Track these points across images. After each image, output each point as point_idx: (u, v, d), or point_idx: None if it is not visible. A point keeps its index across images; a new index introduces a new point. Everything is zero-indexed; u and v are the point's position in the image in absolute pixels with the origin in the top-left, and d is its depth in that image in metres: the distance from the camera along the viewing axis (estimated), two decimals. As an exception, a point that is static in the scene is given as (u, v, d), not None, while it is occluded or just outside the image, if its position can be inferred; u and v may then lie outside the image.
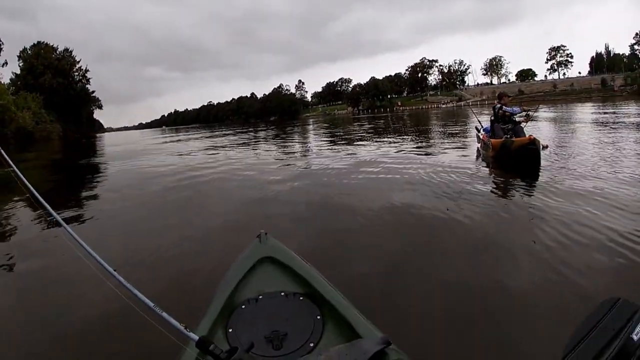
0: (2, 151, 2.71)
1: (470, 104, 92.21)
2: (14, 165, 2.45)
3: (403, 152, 14.93)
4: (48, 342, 3.76)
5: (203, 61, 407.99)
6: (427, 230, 5.89)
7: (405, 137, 22.46)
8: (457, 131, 22.83)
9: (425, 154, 13.65)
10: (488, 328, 3.30)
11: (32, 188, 2.32)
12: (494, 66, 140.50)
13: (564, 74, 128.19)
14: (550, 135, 16.41)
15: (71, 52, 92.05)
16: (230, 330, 2.22)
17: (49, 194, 12.82)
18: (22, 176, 2.41)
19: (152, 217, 8.55)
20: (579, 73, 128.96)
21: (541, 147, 9.69)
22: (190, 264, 5.38)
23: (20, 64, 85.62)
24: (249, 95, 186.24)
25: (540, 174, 8.83)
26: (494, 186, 8.34)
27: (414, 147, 16.35)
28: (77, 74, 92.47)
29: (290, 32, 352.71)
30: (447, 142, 17.46)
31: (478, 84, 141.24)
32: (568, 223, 5.48)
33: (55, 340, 3.76)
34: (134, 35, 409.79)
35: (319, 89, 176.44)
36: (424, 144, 17.86)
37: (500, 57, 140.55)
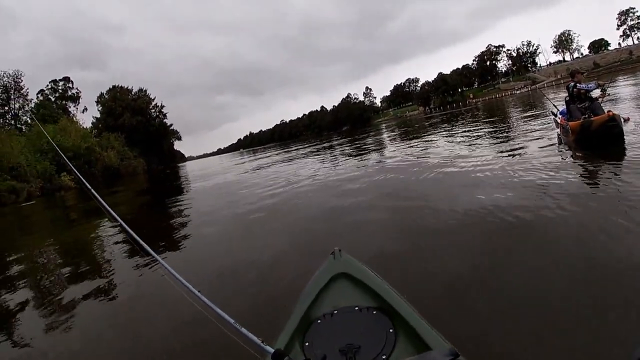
0: (92, 189, 2.85)
1: (545, 85, 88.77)
2: (109, 208, 2.59)
3: (480, 147, 14.39)
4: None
5: (269, 82, 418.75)
6: (513, 234, 5.41)
7: (481, 131, 21.69)
8: (534, 117, 21.83)
9: (504, 147, 13.08)
10: (577, 344, 3.04)
11: (124, 224, 2.52)
12: (563, 42, 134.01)
13: (638, 38, 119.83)
14: (631, 107, 15.43)
15: (145, 91, 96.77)
16: (307, 343, 2.34)
17: (135, 222, 13.49)
18: (115, 215, 2.62)
19: (231, 238, 8.85)
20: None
21: (622, 121, 9.13)
22: (269, 282, 5.50)
23: (99, 108, 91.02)
24: (318, 109, 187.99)
25: (626, 150, 8.31)
26: (582, 174, 7.74)
27: (491, 141, 15.74)
28: (153, 110, 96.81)
29: (347, 39, 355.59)
30: (526, 131, 16.60)
31: (550, 64, 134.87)
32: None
33: (149, 356, 4.09)
34: (200, 67, 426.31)
35: (387, 93, 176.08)
36: (501, 136, 17.13)
37: (568, 31, 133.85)
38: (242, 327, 1.72)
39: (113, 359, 4.24)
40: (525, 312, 3.51)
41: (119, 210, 17.17)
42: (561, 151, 10.32)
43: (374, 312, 2.49)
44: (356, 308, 2.55)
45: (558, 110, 12.50)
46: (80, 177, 3.00)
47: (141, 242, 2.40)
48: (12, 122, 74.25)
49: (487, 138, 17.48)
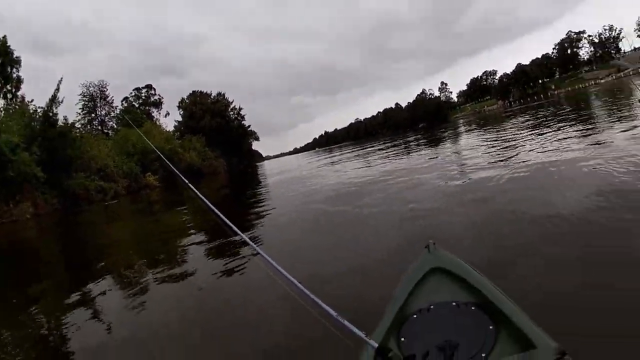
0: (185, 180, 2.98)
1: (631, 72, 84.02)
2: (206, 201, 2.69)
3: (568, 144, 13.65)
4: (246, 347, 4.18)
5: (344, 81, 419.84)
6: (613, 237, 5.00)
7: (568, 125, 20.52)
8: (623, 107, 20.75)
9: (594, 143, 12.11)
10: None
11: (225, 219, 2.55)
12: None
13: None
14: None
15: (224, 94, 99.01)
16: (403, 339, 2.29)
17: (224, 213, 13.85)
18: (204, 199, 2.67)
19: (318, 232, 8.96)
20: None
21: None
22: (360, 276, 5.51)
23: (181, 112, 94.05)
24: (393, 106, 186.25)
25: None
26: None
27: (579, 137, 14.95)
28: (232, 112, 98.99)
29: (421, 36, 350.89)
30: (617, 125, 15.69)
31: (635, 49, 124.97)
32: None
33: (252, 345, 4.16)
34: (276, 70, 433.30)
35: (464, 87, 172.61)
36: (590, 130, 16.10)
37: None
38: (344, 320, 1.72)
39: (215, 345, 4.38)
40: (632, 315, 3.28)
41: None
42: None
43: (473, 308, 2.42)
44: (453, 304, 2.47)
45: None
46: (173, 168, 3.17)
47: (239, 231, 2.43)
48: (99, 127, 78.60)
49: (576, 134, 16.64)
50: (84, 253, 11.61)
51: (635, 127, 12.59)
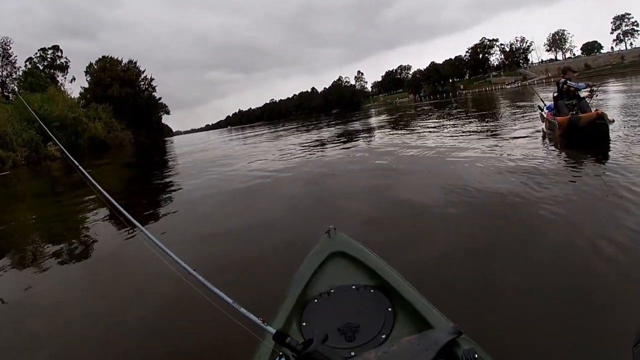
0: (76, 162, 2.82)
1: (536, 82, 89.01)
2: (91, 178, 2.56)
3: (468, 137, 14.57)
4: (131, 338, 4.12)
5: (262, 61, 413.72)
6: (499, 219, 5.65)
7: (469, 122, 21.91)
8: (522, 112, 22.06)
9: (491, 139, 13.23)
10: (564, 322, 3.15)
11: (107, 195, 2.41)
12: (557, 41, 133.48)
13: (631, 44, 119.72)
14: (617, 109, 15.54)
15: (135, 63, 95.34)
16: (304, 323, 2.30)
17: (121, 195, 13.49)
18: (96, 184, 2.52)
19: (222, 215, 8.86)
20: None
21: (608, 121, 9.31)
22: (262, 262, 5.52)
23: (88, 79, 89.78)
24: (309, 90, 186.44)
25: (610, 149, 8.46)
26: (566, 168, 7.95)
27: (479, 133, 15.89)
28: (143, 83, 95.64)
29: (344, 23, 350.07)
30: (513, 125, 16.85)
31: (542, 61, 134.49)
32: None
33: (140, 336, 4.11)
34: (194, 43, 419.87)
35: (379, 79, 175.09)
36: (488, 128, 17.30)
37: (563, 30, 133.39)
38: (241, 307, 1.68)
39: (104, 338, 4.23)
40: (520, 292, 3.65)
41: (106, 183, 17.21)
42: (546, 146, 10.54)
43: (372, 291, 2.47)
44: (353, 287, 2.52)
45: (545, 105, 12.69)
46: (65, 151, 2.95)
47: (130, 217, 2.21)
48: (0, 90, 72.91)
49: (474, 129, 17.69)
50: None
51: (530, 130, 13.60)
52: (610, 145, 8.72)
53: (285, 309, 2.38)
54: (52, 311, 5.05)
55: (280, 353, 1.50)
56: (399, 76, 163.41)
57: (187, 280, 1.85)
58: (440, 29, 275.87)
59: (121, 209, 2.33)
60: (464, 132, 16.99)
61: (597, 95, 12.21)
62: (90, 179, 2.55)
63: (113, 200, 2.44)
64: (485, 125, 18.66)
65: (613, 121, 9.57)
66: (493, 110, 30.17)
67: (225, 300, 1.70)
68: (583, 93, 10.78)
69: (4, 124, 43.35)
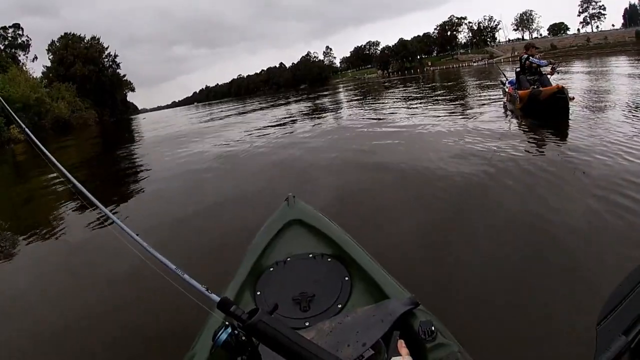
0: (39, 142, 2.81)
1: (502, 60, 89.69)
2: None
3: (432, 111, 14.82)
4: (79, 303, 4.22)
5: (229, 36, 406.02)
6: (458, 192, 5.77)
7: (434, 96, 22.15)
8: (486, 87, 22.39)
9: (455, 113, 13.52)
10: (516, 293, 3.23)
11: (54, 160, 2.37)
12: (524, 21, 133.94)
13: (597, 27, 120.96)
14: (580, 90, 15.41)
15: (98, 39, 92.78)
16: (259, 292, 2.27)
17: (83, 172, 13.38)
18: (57, 162, 2.48)
19: (181, 187, 8.98)
20: (613, 26, 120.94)
21: (568, 96, 9.46)
22: (218, 230, 5.62)
23: (50, 57, 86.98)
24: (278, 65, 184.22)
25: (569, 126, 8.63)
26: (525, 141, 8.14)
27: (443, 106, 16.20)
28: (106, 60, 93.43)
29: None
30: (477, 99, 17.23)
31: (509, 40, 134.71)
32: (606, 174, 5.35)
33: (86, 302, 4.20)
34: (157, 17, 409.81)
35: (348, 54, 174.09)
36: (453, 102, 17.60)
37: (531, 11, 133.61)
38: (184, 273, 1.63)
39: (49, 307, 4.30)
40: (477, 265, 3.71)
41: (69, 163, 17.10)
42: (507, 118, 10.81)
43: (329, 260, 2.43)
44: (310, 255, 2.48)
45: (507, 79, 12.86)
46: (28, 131, 2.89)
47: (83, 189, 2.24)
48: None
49: (439, 103, 17.94)
50: None
51: (492, 104, 13.95)
52: (570, 122, 8.89)
53: (239, 279, 2.33)
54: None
55: (227, 323, 1.42)
56: (367, 52, 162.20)
57: (135, 249, 1.79)
58: (409, 5, 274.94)
59: (72, 177, 2.28)
60: (429, 106, 17.25)
61: (558, 73, 12.38)
62: (52, 158, 2.52)
63: (66, 172, 2.38)
64: (450, 99, 18.94)
65: (573, 99, 9.70)
66: (459, 86, 30.41)
67: (168, 266, 1.67)
68: (545, 70, 10.96)
69: (-36, 107, 41.67)
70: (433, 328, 1.66)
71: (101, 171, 14.42)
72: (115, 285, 4.46)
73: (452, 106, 16.04)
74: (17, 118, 3.07)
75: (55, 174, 13.20)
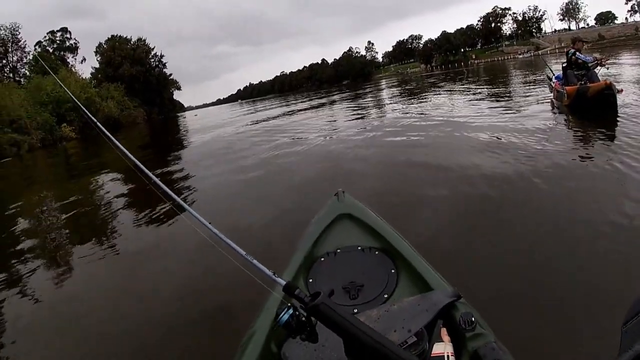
0: (105, 130, 2.97)
1: (549, 52, 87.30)
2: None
3: (478, 108, 14.63)
4: (151, 287, 4.59)
5: (270, 32, 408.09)
6: (500, 190, 5.78)
7: (479, 92, 21.74)
8: (533, 82, 21.91)
9: (500, 109, 13.35)
10: (560, 296, 3.23)
11: (127, 152, 2.52)
12: (570, 10, 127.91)
13: None
14: (628, 82, 15.02)
15: (144, 40, 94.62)
16: (311, 280, 2.44)
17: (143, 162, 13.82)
18: (123, 148, 2.60)
19: (238, 180, 9.34)
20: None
21: (617, 91, 9.25)
22: (273, 221, 5.90)
23: (98, 59, 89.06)
24: (320, 62, 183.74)
25: (617, 122, 8.45)
26: (573, 140, 8.00)
27: (489, 102, 15.95)
28: (153, 60, 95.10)
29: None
30: (523, 95, 16.84)
31: (555, 31, 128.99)
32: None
33: (160, 286, 4.56)
34: (198, 17, 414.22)
35: (390, 48, 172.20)
36: (498, 98, 17.30)
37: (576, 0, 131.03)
38: (253, 259, 1.72)
39: (122, 292, 4.64)
40: (519, 264, 3.74)
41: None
42: (555, 115, 10.59)
43: (377, 253, 2.54)
44: (359, 248, 2.60)
45: (554, 74, 12.65)
46: (94, 119, 3.07)
47: (150, 174, 2.36)
48: (11, 75, 72.55)
49: (485, 99, 17.67)
50: None
51: (539, 100, 13.68)
52: (618, 118, 8.68)
53: (293, 266, 2.49)
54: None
55: (289, 304, 1.51)
56: (410, 46, 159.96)
57: (205, 235, 1.92)
58: None
59: (142, 166, 2.41)
60: (473, 101, 17.07)
61: (607, 68, 12.09)
62: (121, 146, 2.64)
63: (134, 159, 2.50)
64: (496, 95, 18.62)
65: (621, 91, 9.42)
66: (504, 80, 29.80)
67: (239, 252, 1.77)
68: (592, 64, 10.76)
69: (18, 109, 43.49)
70: (473, 319, 1.77)
71: (157, 164, 14.79)
72: (186, 269, 4.83)
73: (497, 102, 15.81)
74: (92, 116, 3.25)
75: (113, 170, 13.72)
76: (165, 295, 4.34)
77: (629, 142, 6.78)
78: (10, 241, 7.90)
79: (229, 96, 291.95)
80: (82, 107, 4.10)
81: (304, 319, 1.49)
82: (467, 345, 1.70)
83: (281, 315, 1.48)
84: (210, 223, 1.94)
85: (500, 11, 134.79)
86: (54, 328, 4.27)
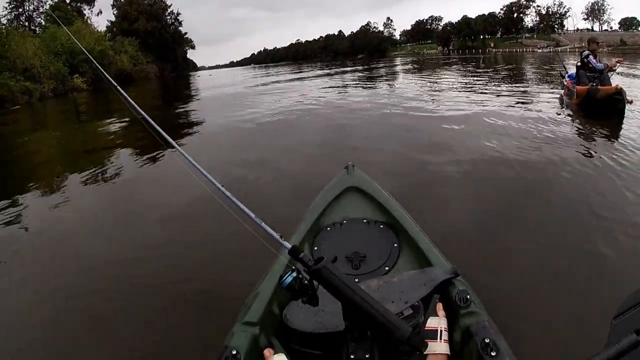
0: (114, 83, 3.03)
1: (568, 50, 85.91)
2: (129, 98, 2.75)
3: (491, 97, 14.63)
4: (162, 245, 4.67)
5: (289, 0, 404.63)
6: (508, 179, 5.88)
7: (495, 81, 21.57)
8: (547, 77, 21.92)
9: (514, 101, 13.35)
10: (559, 283, 3.33)
11: (144, 114, 2.53)
12: (595, 11, 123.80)
13: None
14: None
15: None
16: (316, 248, 2.55)
17: (156, 119, 13.89)
18: (136, 105, 2.64)
19: (249, 143, 9.45)
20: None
21: (626, 98, 9.21)
22: (283, 187, 6.05)
23: (115, 12, 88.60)
24: (336, 33, 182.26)
25: (622, 128, 8.47)
26: (577, 137, 8.10)
27: (502, 93, 15.87)
28: (169, 17, 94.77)
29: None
30: (536, 88, 17.06)
31: (578, 29, 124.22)
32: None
33: (171, 245, 4.66)
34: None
35: (408, 27, 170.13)
36: (512, 89, 17.12)
37: (603, 0, 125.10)
38: (262, 222, 1.77)
39: (135, 247, 4.74)
40: (517, 250, 3.88)
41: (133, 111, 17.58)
42: (562, 111, 10.73)
43: (381, 226, 2.64)
44: (364, 220, 2.70)
45: (567, 72, 12.64)
46: (102, 71, 3.15)
47: (161, 130, 2.41)
48: (27, 24, 72.17)
49: (498, 87, 17.66)
50: (4, 157, 11.33)
51: (550, 96, 13.75)
52: (624, 124, 8.67)
53: (300, 233, 2.59)
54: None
55: (293, 267, 1.57)
56: (429, 27, 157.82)
57: (216, 195, 1.99)
58: None
59: (157, 127, 2.45)
60: (486, 90, 17.01)
61: (619, 74, 11.90)
62: (129, 98, 2.69)
63: (147, 116, 2.51)
64: (510, 85, 18.55)
65: (632, 102, 9.43)
66: (519, 71, 29.76)
67: (249, 214, 1.82)
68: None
69: (32, 57, 43.63)
70: (468, 297, 1.85)
71: (167, 119, 14.98)
72: (196, 227, 5.01)
73: (508, 92, 15.78)
74: (104, 72, 3.33)
75: (123, 120, 13.79)
76: (164, 249, 4.52)
77: (626, 145, 6.97)
78: (19, 169, 8.67)
79: (242, 59, 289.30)
80: (93, 59, 4.21)
81: (306, 282, 1.55)
82: (460, 322, 1.78)
83: (285, 278, 1.54)
84: (222, 186, 2.01)
85: (524, 2, 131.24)
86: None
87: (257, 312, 1.95)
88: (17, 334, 3.37)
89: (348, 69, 45.78)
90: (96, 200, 6.72)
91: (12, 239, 5.31)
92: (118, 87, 2.94)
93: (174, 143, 2.31)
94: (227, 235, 4.20)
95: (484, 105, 11.91)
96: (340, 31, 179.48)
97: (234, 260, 3.96)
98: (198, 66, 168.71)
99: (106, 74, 3.15)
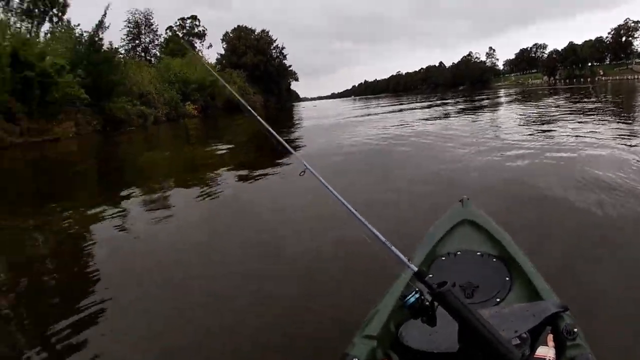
0: (242, 101, 3.40)
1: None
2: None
3: (604, 134, 13.46)
4: (296, 259, 4.96)
5: (389, 32, 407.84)
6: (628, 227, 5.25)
7: (606, 115, 20.28)
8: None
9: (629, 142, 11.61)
10: None
11: (271, 130, 2.84)
12: None
13: None
14: None
15: (267, 32, 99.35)
16: (431, 275, 2.58)
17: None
18: (264, 123, 2.93)
19: (365, 168, 9.92)
20: None
21: None
22: (402, 217, 6.14)
23: (224, 46, 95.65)
24: (437, 65, 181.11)
25: None
26: None
27: (616, 131, 14.70)
28: (274, 51, 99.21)
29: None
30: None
31: None
32: None
33: (305, 258, 4.95)
34: (320, 12, 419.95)
35: (512, 56, 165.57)
36: (627, 126, 15.60)
37: None
38: (392, 245, 1.83)
39: (264, 264, 4.99)
40: (627, 298, 3.58)
41: (246, 133, 19.18)
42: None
43: (494, 260, 2.70)
44: (478, 253, 2.77)
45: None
46: (236, 95, 3.52)
47: (290, 148, 2.59)
48: (143, 54, 79.01)
49: (611, 123, 16.58)
50: (118, 169, 12.28)
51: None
52: None
53: (417, 260, 2.66)
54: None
55: (417, 289, 1.65)
56: (533, 55, 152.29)
57: (345, 215, 2.06)
58: (581, 3, 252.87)
59: (280, 139, 2.65)
60: (599, 130, 15.56)
61: None
62: (265, 124, 2.97)
63: (274, 133, 2.83)
64: (624, 122, 17.24)
65: None
66: (634, 104, 27.14)
67: (379, 237, 1.90)
68: None
69: (147, 85, 47.43)
70: (575, 330, 1.89)
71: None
72: (327, 247, 5.21)
73: (627, 131, 14.38)
74: (240, 98, 3.61)
75: (234, 143, 14.43)
76: (293, 264, 4.84)
77: None
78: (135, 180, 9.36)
79: (344, 91, 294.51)
80: (226, 85, 4.67)
81: (427, 303, 1.64)
82: (566, 353, 1.84)
83: (408, 297, 1.64)
84: (356, 210, 2.09)
85: (633, 24, 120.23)
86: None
87: (376, 326, 2.09)
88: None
89: (449, 100, 45.38)
90: (222, 213, 7.38)
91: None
92: (254, 113, 3.23)
93: (307, 165, 2.46)
94: (352, 254, 4.48)
95: (593, 148, 10.66)
96: (441, 62, 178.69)
97: (362, 279, 4.07)
98: (300, 97, 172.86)
99: (242, 100, 3.49)
